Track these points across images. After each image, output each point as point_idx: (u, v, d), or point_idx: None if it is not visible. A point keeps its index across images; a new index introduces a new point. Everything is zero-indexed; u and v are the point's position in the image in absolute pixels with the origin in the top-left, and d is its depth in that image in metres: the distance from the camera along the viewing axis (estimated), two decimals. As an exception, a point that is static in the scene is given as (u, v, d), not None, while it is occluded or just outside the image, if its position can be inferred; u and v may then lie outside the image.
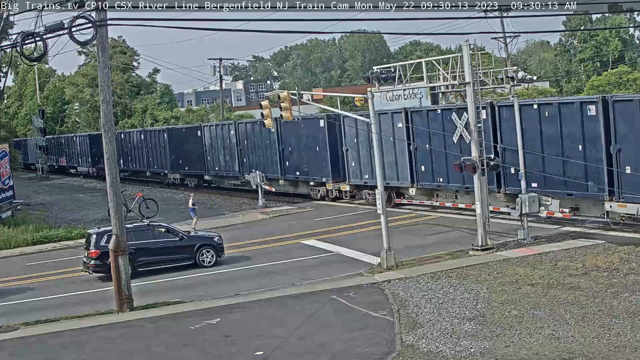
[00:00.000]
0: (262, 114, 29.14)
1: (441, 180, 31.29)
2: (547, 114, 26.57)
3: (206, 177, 49.90)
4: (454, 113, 27.76)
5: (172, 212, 38.52)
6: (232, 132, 45.43)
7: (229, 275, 24.27)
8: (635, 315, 16.03)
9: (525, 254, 22.74)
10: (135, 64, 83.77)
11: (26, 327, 19.12)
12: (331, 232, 29.92)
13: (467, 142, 25.10)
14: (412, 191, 32.84)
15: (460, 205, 31.16)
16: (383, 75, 24.91)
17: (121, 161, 57.81)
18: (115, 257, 20.14)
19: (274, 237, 29.95)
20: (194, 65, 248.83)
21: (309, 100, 29.39)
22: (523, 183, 25.58)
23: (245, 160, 44.04)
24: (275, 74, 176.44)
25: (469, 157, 24.26)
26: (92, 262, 24.53)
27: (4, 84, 69.14)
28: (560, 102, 26.96)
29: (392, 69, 25.27)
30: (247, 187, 43.63)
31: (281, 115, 26.82)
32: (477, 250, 23.60)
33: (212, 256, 25.57)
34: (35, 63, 51.19)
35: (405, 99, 36.89)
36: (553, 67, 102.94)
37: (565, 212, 26.03)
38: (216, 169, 47.86)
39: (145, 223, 26.62)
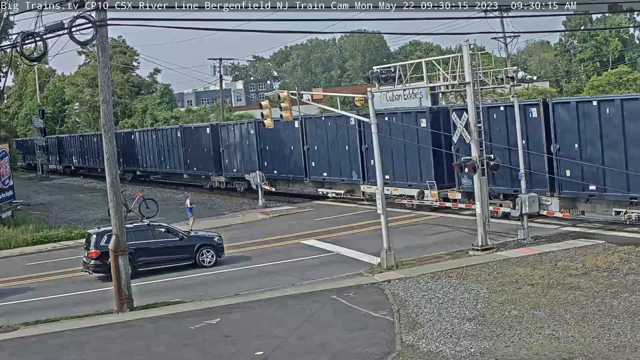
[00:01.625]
0: (262, 114, 29.14)
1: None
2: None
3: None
4: (454, 113, 27.77)
5: (172, 212, 38.50)
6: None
7: (229, 275, 24.27)
8: (635, 315, 16.03)
9: (525, 254, 22.74)
10: (135, 64, 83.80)
11: (26, 327, 19.12)
12: (331, 232, 29.92)
13: (467, 142, 25.11)
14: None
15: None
16: (383, 75, 24.92)
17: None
18: (115, 257, 20.14)
19: (274, 237, 29.95)
20: (194, 65, 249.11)
21: (309, 100, 29.38)
22: (523, 183, 25.59)
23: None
24: (275, 74, 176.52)
25: (469, 157, 24.27)
26: (92, 262, 24.53)
27: (4, 84, 69.24)
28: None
29: (392, 69, 25.28)
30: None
31: (281, 115, 26.79)
32: (477, 250, 23.60)
33: (212, 256, 25.57)
34: (35, 63, 51.12)
35: (405, 99, 36.71)
36: (553, 67, 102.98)
37: None
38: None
39: (145, 223, 26.61)
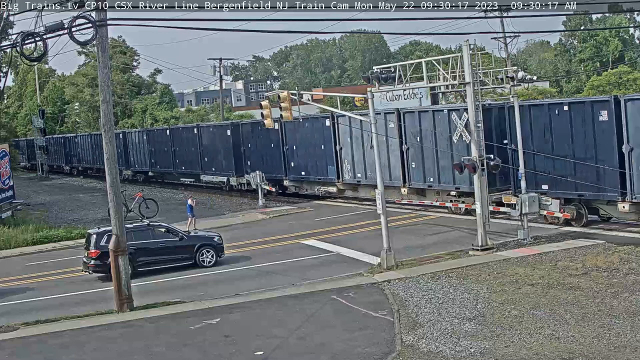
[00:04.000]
0: (262, 114, 29.15)
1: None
2: None
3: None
4: (454, 113, 27.74)
5: (172, 212, 38.51)
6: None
7: (229, 275, 24.27)
8: (635, 315, 16.03)
9: (525, 254, 22.74)
10: (135, 63, 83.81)
11: (26, 327, 19.12)
12: (331, 232, 29.92)
13: (467, 142, 25.11)
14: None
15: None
16: (383, 75, 24.90)
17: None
18: (115, 257, 20.14)
19: (274, 237, 29.95)
20: (194, 65, 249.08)
21: (309, 100, 29.38)
22: (523, 183, 25.58)
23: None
24: (275, 74, 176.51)
25: (469, 157, 24.28)
26: (92, 262, 24.54)
27: (4, 84, 69.29)
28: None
29: (392, 69, 25.26)
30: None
31: (281, 115, 26.77)
32: (477, 250, 23.60)
33: (212, 256, 25.58)
34: (35, 63, 51.17)
35: (405, 99, 36.76)
36: (553, 67, 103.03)
37: None
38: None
39: (145, 223, 26.62)
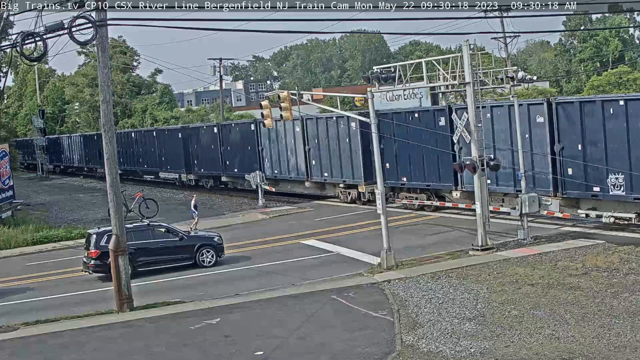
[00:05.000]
0: (262, 114, 29.14)
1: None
2: None
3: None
4: (454, 113, 27.78)
5: (172, 212, 38.53)
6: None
7: (229, 275, 24.27)
8: (635, 315, 16.03)
9: (525, 254, 22.74)
10: (135, 64, 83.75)
11: (26, 327, 19.12)
12: (331, 232, 29.92)
13: (467, 142, 25.11)
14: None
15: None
16: (383, 75, 24.90)
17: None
18: (115, 257, 20.14)
19: (274, 237, 29.96)
20: (194, 65, 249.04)
21: (309, 100, 29.39)
22: (523, 183, 25.59)
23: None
24: (275, 74, 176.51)
25: (469, 157, 24.27)
26: (92, 262, 24.54)
27: (4, 84, 69.12)
28: None
29: (392, 69, 25.26)
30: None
31: (281, 115, 26.74)
32: (477, 250, 23.60)
33: (212, 256, 25.57)
34: (35, 63, 51.16)
35: (405, 99, 37.03)
36: (553, 67, 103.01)
37: None
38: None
39: (145, 223, 26.61)
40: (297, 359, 15.35)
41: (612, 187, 24.65)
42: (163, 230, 25.98)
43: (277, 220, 35.02)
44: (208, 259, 25.52)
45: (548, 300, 17.69)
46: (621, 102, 24.47)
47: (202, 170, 49.10)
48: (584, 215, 26.14)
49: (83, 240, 27.82)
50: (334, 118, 36.52)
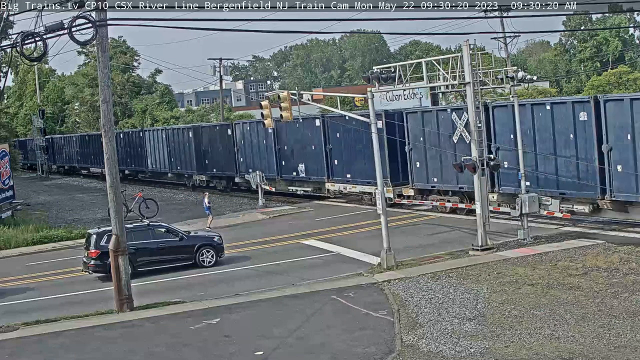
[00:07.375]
0: (262, 114, 29.14)
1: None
2: None
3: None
4: (454, 113, 27.75)
5: (172, 212, 38.52)
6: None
7: (229, 275, 24.27)
8: (635, 315, 16.04)
9: (525, 254, 22.73)
10: (135, 64, 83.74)
11: (26, 327, 19.11)
12: (331, 232, 29.92)
13: (467, 142, 25.09)
14: None
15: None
16: (383, 75, 24.88)
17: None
18: (115, 257, 20.14)
19: (274, 237, 29.95)
20: (194, 65, 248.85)
21: (309, 100, 29.37)
22: (523, 183, 25.58)
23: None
24: (275, 74, 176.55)
25: (469, 157, 24.27)
26: (92, 262, 24.53)
27: (4, 84, 69.15)
28: None
29: (392, 69, 25.25)
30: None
31: (281, 115, 26.74)
32: (477, 250, 23.60)
33: (212, 256, 25.57)
34: (35, 63, 51.23)
35: (405, 99, 36.99)
36: (553, 67, 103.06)
37: None
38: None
39: (145, 223, 26.61)
40: (297, 359, 15.35)
41: None
42: (163, 230, 25.97)
43: (277, 220, 35.01)
44: (208, 259, 25.52)
45: (548, 300, 17.69)
46: None
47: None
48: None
49: (83, 240, 27.80)
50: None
